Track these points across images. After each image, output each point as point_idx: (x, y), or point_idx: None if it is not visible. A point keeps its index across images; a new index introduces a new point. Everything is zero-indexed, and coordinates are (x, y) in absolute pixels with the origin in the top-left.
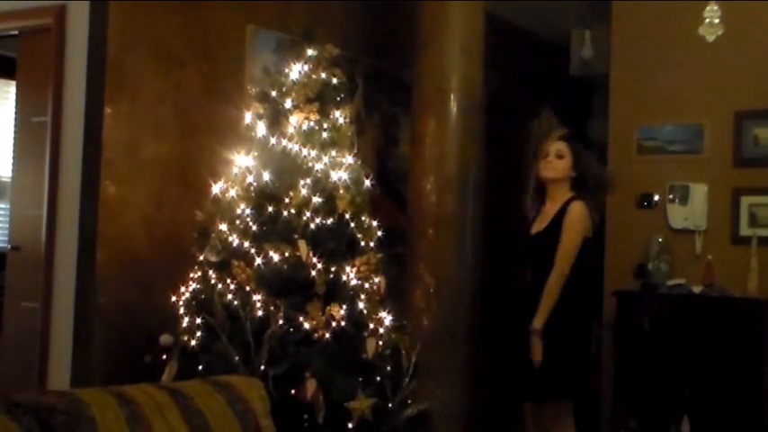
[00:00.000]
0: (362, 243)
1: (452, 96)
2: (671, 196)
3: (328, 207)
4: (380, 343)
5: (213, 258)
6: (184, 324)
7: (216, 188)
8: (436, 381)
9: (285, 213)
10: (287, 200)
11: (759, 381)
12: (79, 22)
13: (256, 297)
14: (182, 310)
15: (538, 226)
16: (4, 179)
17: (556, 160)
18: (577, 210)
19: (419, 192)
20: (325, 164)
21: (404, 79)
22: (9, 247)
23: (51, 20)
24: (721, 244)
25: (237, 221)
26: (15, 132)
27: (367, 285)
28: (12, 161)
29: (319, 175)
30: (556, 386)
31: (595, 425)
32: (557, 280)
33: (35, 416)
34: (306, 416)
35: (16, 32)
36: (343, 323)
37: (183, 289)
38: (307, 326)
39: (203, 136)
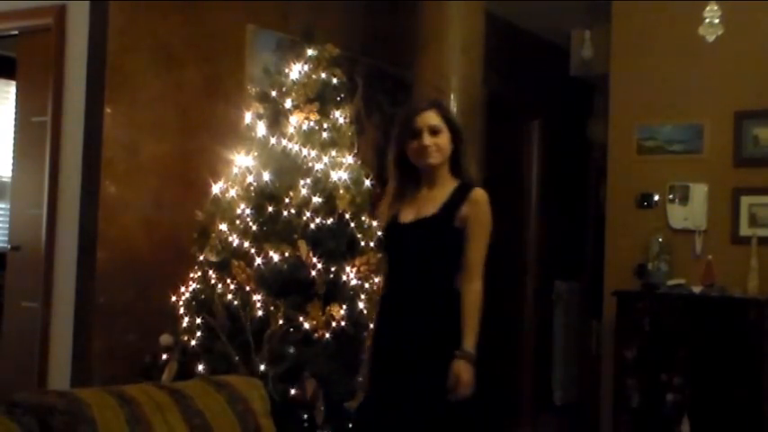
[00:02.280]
0: (362, 243)
1: (452, 96)
2: (671, 196)
3: (328, 207)
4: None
5: (213, 258)
6: (184, 324)
7: (216, 188)
8: None
9: (285, 213)
10: (287, 200)
11: (759, 381)
12: (79, 22)
13: (256, 297)
14: (182, 310)
15: (414, 213)
16: (4, 179)
17: (431, 138)
18: (485, 200)
19: None
20: (326, 164)
21: (404, 79)
22: (9, 246)
23: (51, 20)
24: (721, 244)
25: (237, 221)
26: (15, 132)
27: (367, 285)
28: (12, 161)
29: (319, 175)
30: None
31: (596, 425)
32: (479, 290)
33: (35, 416)
34: (305, 416)
35: (16, 32)
36: (343, 323)
37: (182, 289)
38: (307, 326)
39: (203, 136)
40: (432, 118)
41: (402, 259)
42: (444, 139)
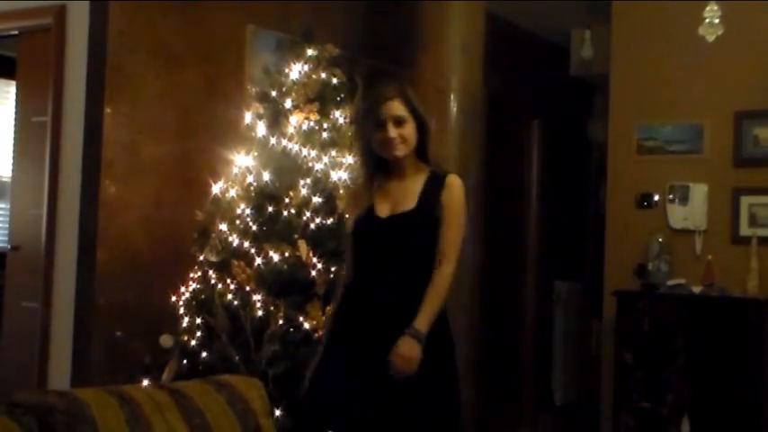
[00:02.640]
0: None
1: (452, 96)
2: (671, 196)
3: (328, 207)
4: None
5: (213, 258)
6: (184, 324)
7: (216, 188)
8: None
9: (285, 213)
10: (287, 200)
11: (759, 381)
12: (79, 22)
13: (256, 297)
14: (182, 310)
15: (390, 206)
16: (4, 179)
17: (396, 129)
18: (460, 186)
19: None
20: (325, 164)
21: (404, 79)
22: (9, 246)
23: (51, 20)
24: (721, 244)
25: (237, 221)
26: (15, 132)
27: None
28: (12, 161)
29: (319, 175)
30: None
31: (596, 425)
32: (450, 275)
33: (35, 416)
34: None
35: (16, 32)
36: None
37: (182, 289)
38: (307, 326)
39: (203, 136)
40: (396, 108)
41: (381, 254)
42: (410, 130)
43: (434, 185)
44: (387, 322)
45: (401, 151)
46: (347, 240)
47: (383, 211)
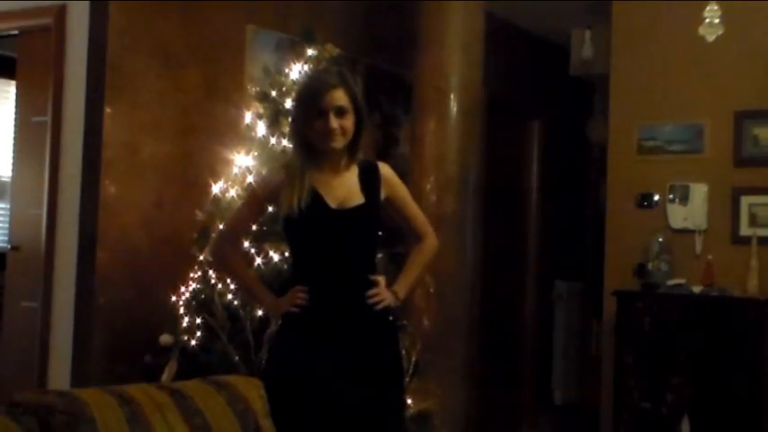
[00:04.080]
0: None
1: (452, 96)
2: (671, 196)
3: None
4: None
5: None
6: (184, 324)
7: (216, 188)
8: (437, 380)
9: None
10: None
11: (759, 381)
12: (79, 22)
13: None
14: (182, 310)
15: (338, 200)
16: (3, 179)
17: (337, 119)
18: (393, 173)
19: (419, 192)
20: None
21: (404, 79)
22: (9, 246)
23: (51, 20)
24: (721, 244)
25: None
26: (15, 132)
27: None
28: (12, 161)
29: None
30: None
31: (595, 425)
32: (436, 247)
33: (35, 415)
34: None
35: (16, 32)
36: None
37: (182, 289)
38: None
39: (203, 136)
40: (339, 98)
41: (341, 248)
42: (350, 122)
43: (370, 178)
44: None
45: (339, 143)
46: (289, 227)
47: (332, 202)
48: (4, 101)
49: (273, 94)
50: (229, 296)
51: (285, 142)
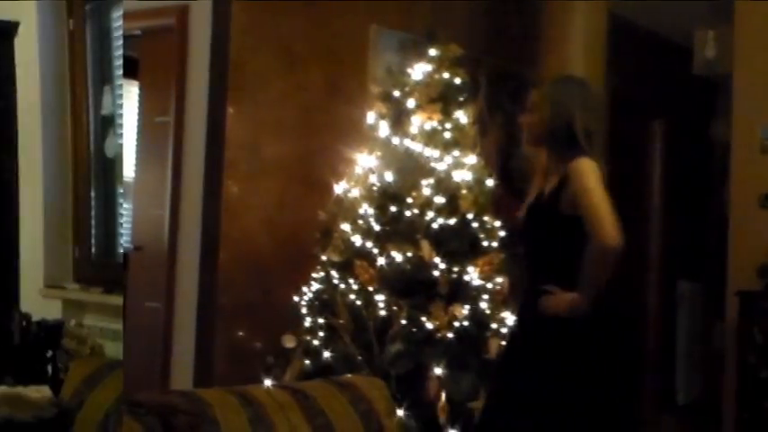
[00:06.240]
0: (485, 243)
1: None
2: None
3: (451, 207)
4: (503, 343)
5: (336, 258)
6: (307, 324)
7: (338, 188)
8: None
9: (408, 213)
10: (409, 200)
11: None
12: (202, 22)
13: (379, 297)
14: (304, 310)
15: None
16: (127, 179)
17: (527, 116)
18: (583, 165)
19: None
20: (448, 164)
21: (527, 79)
22: (132, 247)
23: (174, 20)
24: None
25: (360, 221)
26: (138, 133)
27: (490, 285)
28: (135, 161)
29: (442, 175)
30: None
31: (718, 425)
32: (595, 250)
33: (158, 416)
34: (428, 416)
35: (139, 33)
36: (465, 323)
37: (305, 289)
38: (429, 326)
39: (325, 136)
40: (533, 94)
41: (527, 252)
42: (536, 119)
43: (562, 179)
44: (553, 338)
45: (526, 139)
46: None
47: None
48: (127, 101)
49: (396, 94)
50: (352, 296)
51: (407, 142)
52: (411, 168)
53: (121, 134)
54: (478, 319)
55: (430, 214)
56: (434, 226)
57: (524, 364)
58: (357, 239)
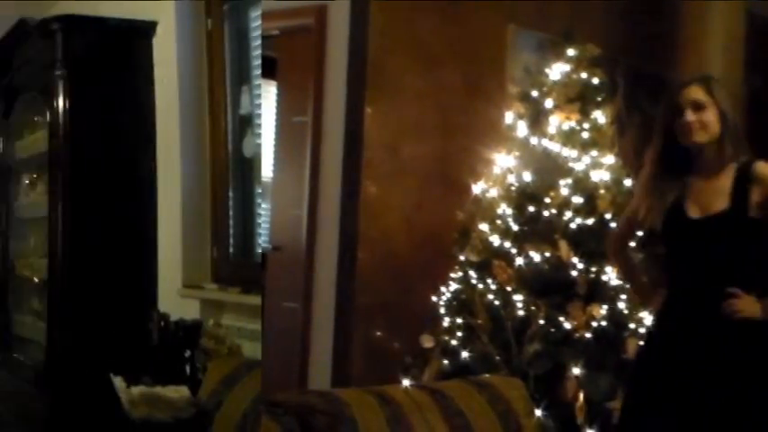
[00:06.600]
0: None
1: None
2: None
3: (589, 207)
4: (641, 343)
5: (474, 258)
6: (445, 324)
7: (476, 188)
8: None
9: (546, 213)
10: (547, 200)
11: None
12: (340, 22)
13: (517, 297)
14: (442, 310)
15: (701, 207)
16: (265, 179)
17: (694, 114)
18: None
19: None
20: (586, 164)
21: (665, 80)
22: (271, 247)
23: (312, 20)
24: None
25: (498, 221)
26: (276, 132)
27: (628, 286)
28: (273, 161)
29: (580, 175)
30: None
31: None
32: None
33: (296, 416)
34: (566, 416)
35: (277, 32)
36: (603, 323)
37: (443, 289)
38: (567, 326)
39: (463, 136)
40: (695, 92)
41: (695, 264)
42: (710, 116)
43: (743, 179)
44: (710, 355)
45: (700, 137)
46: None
47: (694, 211)
48: (265, 101)
49: (534, 94)
50: (490, 296)
51: (546, 142)
52: (549, 168)
53: (259, 134)
54: (616, 319)
55: (568, 214)
56: (572, 226)
57: (683, 367)
58: (495, 239)
